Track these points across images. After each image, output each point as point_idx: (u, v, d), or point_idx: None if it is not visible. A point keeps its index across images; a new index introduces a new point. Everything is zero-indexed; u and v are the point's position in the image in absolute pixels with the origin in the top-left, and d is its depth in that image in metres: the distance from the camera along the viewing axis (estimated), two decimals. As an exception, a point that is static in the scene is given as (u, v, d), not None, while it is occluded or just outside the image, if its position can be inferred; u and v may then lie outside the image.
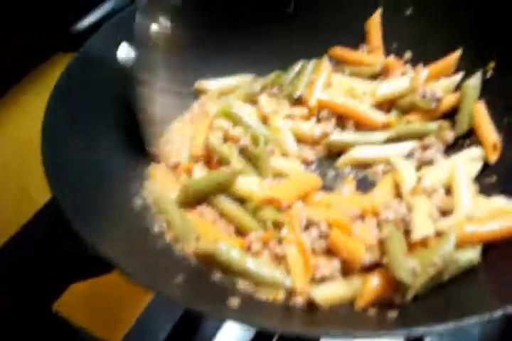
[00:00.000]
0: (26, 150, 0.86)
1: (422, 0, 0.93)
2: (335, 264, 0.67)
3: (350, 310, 0.63)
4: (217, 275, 0.67)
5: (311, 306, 0.63)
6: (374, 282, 0.63)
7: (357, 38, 0.98)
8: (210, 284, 0.66)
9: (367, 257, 0.65)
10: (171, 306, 0.78)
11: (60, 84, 0.75)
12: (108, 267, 0.58)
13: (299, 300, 0.64)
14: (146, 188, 0.80)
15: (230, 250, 0.66)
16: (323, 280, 0.66)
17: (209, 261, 0.67)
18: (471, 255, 0.64)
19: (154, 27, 0.88)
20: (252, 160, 0.83)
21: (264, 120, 0.90)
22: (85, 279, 0.80)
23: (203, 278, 0.66)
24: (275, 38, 0.97)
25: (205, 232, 0.73)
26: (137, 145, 0.83)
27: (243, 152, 0.83)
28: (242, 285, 0.66)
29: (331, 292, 0.64)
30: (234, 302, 0.61)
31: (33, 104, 0.92)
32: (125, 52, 0.86)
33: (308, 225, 0.72)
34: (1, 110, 0.90)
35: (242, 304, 0.60)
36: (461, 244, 0.64)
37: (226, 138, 0.86)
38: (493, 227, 0.66)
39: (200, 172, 0.82)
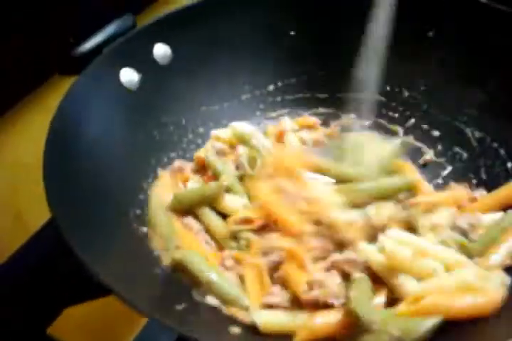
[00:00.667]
0: (21, 175, 0.86)
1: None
2: (285, 294, 0.67)
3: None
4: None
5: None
6: (318, 320, 0.63)
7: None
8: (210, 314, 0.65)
9: (309, 293, 0.65)
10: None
11: (64, 104, 0.75)
12: (104, 291, 0.57)
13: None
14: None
15: (196, 260, 0.69)
16: (271, 307, 0.66)
17: (180, 270, 0.69)
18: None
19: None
20: (244, 180, 0.83)
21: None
22: (80, 303, 0.79)
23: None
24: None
25: (186, 242, 0.75)
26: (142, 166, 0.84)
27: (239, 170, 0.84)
28: (210, 299, 0.66)
29: (273, 319, 0.64)
30: (236, 330, 0.60)
31: (30, 127, 0.92)
32: (128, 76, 0.86)
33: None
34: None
35: (242, 333, 0.60)
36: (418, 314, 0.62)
37: (226, 152, 0.88)
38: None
39: (194, 183, 0.85)
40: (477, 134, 0.89)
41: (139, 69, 0.87)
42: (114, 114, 0.83)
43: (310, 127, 0.96)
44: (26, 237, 0.87)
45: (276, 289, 0.68)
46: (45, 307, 0.79)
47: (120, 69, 0.85)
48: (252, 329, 0.63)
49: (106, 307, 0.76)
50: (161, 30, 0.90)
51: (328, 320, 0.63)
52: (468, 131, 0.90)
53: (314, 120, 0.97)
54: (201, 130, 0.94)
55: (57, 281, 0.81)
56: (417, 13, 0.93)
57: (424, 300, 0.62)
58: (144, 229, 0.76)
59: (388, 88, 0.97)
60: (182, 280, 0.69)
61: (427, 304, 0.62)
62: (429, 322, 0.59)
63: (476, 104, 0.91)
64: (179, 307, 0.61)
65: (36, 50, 0.93)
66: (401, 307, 0.62)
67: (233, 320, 0.64)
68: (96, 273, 0.57)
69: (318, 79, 1.00)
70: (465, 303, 0.63)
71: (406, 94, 0.97)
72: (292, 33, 0.99)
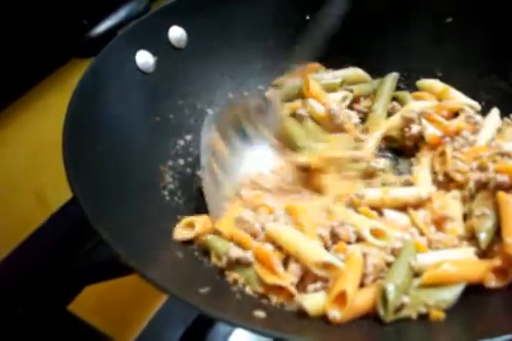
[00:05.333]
0: (42, 153, 0.86)
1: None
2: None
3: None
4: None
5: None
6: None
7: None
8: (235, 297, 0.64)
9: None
10: (184, 310, 0.78)
11: (82, 84, 0.74)
12: (122, 270, 0.56)
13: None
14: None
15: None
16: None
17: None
18: (445, 296, 0.63)
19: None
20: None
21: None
22: (101, 281, 0.79)
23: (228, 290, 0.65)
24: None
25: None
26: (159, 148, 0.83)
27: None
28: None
29: (319, 301, 0.63)
30: (260, 314, 0.59)
31: (50, 106, 0.91)
32: (144, 58, 0.85)
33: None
34: (17, 112, 0.88)
35: (268, 316, 0.59)
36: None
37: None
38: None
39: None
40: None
41: (154, 52, 0.86)
42: (130, 96, 0.82)
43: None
44: (47, 215, 0.87)
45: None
46: (67, 285, 0.80)
47: (136, 51, 0.84)
48: (276, 313, 0.62)
49: (126, 287, 0.76)
50: (176, 13, 0.89)
51: (364, 297, 0.62)
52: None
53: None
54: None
55: (79, 259, 0.81)
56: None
57: (443, 267, 0.64)
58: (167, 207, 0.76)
59: (406, 74, 0.97)
60: (204, 264, 0.69)
61: (446, 271, 0.63)
62: (457, 289, 0.62)
63: (493, 91, 0.91)
64: (203, 290, 0.60)
65: (53, 32, 0.92)
66: (424, 277, 0.63)
67: (258, 305, 0.63)
68: (120, 254, 0.56)
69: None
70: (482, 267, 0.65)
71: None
72: (308, 17, 0.97)
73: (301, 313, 0.62)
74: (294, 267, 0.66)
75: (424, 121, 0.83)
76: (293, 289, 0.64)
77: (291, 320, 0.62)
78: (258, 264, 0.66)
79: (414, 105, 0.89)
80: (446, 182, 0.79)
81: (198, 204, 0.78)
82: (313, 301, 0.62)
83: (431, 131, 0.82)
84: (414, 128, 0.84)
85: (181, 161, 0.85)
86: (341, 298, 0.61)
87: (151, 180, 0.78)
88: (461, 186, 0.76)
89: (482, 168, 0.74)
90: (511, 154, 0.73)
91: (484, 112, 0.89)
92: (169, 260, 0.66)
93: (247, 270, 0.66)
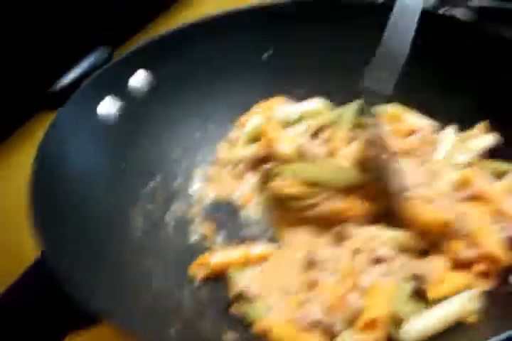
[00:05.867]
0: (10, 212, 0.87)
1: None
2: None
3: None
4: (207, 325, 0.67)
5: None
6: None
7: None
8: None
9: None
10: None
11: (43, 143, 0.77)
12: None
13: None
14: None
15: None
16: None
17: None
18: None
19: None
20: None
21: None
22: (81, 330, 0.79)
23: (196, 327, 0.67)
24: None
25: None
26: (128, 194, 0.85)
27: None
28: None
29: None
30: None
31: (18, 163, 0.93)
32: (108, 107, 0.88)
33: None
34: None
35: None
36: None
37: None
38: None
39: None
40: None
41: (118, 100, 0.89)
42: (96, 147, 0.84)
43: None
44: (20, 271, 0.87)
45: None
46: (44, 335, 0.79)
47: (99, 100, 0.86)
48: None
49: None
50: (139, 60, 0.92)
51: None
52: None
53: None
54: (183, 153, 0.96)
55: (56, 309, 0.80)
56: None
57: None
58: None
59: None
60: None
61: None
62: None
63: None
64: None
65: (17, 87, 0.95)
66: None
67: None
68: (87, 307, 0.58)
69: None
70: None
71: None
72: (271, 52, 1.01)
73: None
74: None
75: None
76: None
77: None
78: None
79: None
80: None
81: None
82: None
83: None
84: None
85: (150, 204, 0.87)
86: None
87: (121, 224, 0.80)
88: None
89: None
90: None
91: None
92: (137, 303, 0.67)
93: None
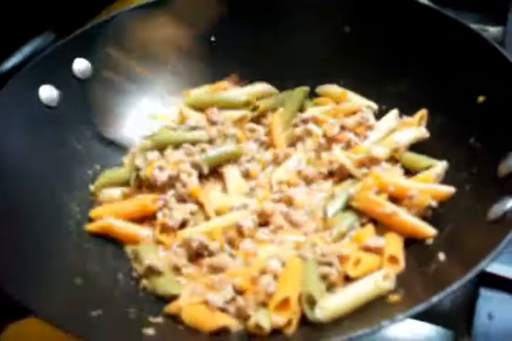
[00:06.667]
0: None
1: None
2: None
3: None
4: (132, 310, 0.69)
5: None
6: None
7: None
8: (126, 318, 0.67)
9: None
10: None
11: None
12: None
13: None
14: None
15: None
16: None
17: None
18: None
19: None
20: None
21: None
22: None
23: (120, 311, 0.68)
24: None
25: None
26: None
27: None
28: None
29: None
30: (150, 332, 0.63)
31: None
32: (47, 92, 0.88)
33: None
34: None
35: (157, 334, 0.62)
36: None
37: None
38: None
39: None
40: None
41: (58, 86, 0.89)
42: (36, 132, 0.85)
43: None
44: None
45: None
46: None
47: (39, 86, 0.87)
48: (167, 330, 0.65)
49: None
50: (79, 46, 0.92)
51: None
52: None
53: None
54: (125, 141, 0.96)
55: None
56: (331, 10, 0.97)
57: None
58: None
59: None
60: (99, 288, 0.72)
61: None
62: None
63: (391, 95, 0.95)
64: (94, 313, 0.63)
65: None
66: None
67: (148, 323, 0.66)
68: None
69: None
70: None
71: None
72: (213, 38, 1.02)
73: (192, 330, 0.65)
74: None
75: (310, 124, 0.90)
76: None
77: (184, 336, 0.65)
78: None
79: (309, 111, 0.95)
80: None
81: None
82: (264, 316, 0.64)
83: (315, 131, 0.89)
84: (297, 130, 0.91)
85: (88, 190, 0.88)
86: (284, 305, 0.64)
87: (57, 211, 0.81)
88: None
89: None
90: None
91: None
92: (64, 291, 0.68)
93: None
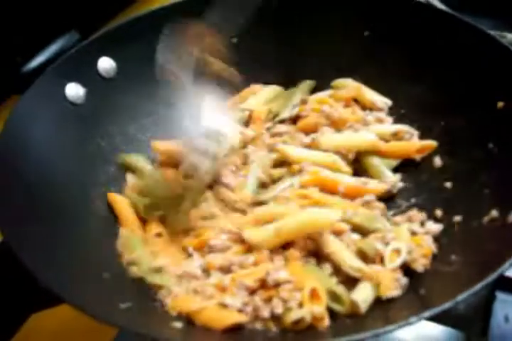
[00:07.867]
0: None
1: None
2: None
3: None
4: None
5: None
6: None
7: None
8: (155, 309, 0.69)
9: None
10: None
11: (9, 125, 0.79)
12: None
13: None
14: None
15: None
16: None
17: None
18: None
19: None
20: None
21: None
22: (43, 309, 0.81)
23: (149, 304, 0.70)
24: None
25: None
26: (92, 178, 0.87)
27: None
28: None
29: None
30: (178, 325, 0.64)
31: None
32: (73, 90, 0.89)
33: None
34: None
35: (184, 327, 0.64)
36: None
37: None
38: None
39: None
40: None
41: (84, 84, 0.91)
42: (62, 129, 0.86)
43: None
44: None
45: None
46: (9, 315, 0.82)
47: (65, 84, 0.88)
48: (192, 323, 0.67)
49: (75, 318, 0.76)
50: (105, 45, 0.94)
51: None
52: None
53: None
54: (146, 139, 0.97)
55: (17, 287, 0.82)
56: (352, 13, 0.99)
57: None
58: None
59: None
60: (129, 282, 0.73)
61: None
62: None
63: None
64: (123, 305, 0.65)
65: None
66: None
67: (176, 317, 0.67)
68: (46, 283, 0.61)
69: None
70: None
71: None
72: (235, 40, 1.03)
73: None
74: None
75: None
76: None
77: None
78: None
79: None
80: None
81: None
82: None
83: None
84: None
85: (112, 188, 0.89)
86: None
87: (82, 207, 0.82)
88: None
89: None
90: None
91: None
92: (93, 282, 0.70)
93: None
